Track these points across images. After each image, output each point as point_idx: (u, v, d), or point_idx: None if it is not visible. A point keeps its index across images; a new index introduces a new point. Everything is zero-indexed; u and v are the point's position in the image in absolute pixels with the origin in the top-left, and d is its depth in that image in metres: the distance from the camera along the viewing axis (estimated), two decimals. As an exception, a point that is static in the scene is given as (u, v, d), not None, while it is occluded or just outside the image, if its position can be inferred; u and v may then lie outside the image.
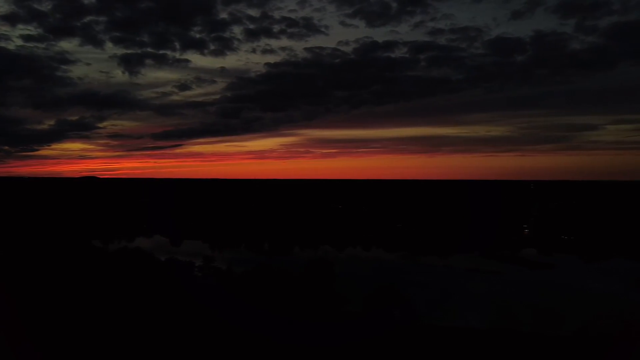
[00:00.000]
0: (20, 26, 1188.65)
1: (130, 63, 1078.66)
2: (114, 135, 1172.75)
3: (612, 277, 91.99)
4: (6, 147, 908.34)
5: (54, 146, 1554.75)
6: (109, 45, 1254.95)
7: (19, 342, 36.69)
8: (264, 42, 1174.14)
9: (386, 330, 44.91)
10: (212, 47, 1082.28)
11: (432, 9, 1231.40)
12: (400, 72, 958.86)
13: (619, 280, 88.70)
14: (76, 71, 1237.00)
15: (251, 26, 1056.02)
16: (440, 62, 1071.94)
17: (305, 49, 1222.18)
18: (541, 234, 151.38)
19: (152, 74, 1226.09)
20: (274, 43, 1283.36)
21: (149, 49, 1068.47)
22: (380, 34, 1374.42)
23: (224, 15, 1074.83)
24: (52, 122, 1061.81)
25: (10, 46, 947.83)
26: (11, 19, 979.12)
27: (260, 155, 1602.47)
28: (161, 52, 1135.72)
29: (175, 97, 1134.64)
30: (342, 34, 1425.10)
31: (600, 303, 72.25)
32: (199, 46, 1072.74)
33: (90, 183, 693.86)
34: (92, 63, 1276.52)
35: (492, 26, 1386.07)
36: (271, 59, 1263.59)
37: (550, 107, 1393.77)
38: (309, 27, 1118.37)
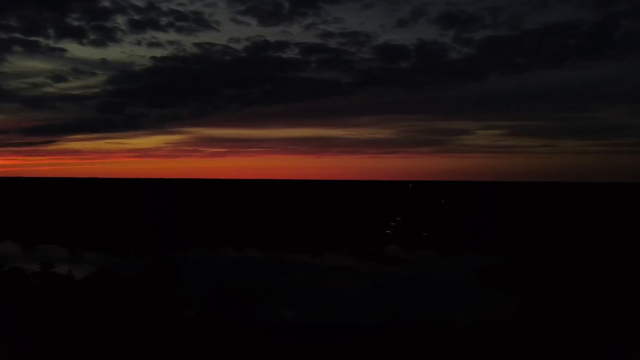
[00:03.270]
0: None
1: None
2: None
3: (460, 269, 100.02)
4: None
5: None
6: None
7: None
8: (150, 34, 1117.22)
9: (225, 331, 44.27)
10: (92, 36, 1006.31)
11: (324, 12, 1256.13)
12: (291, 73, 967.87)
13: (467, 272, 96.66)
14: None
15: (136, 17, 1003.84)
16: (330, 64, 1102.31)
17: (195, 44, 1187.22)
18: (406, 232, 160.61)
19: (21, 63, 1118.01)
20: (161, 36, 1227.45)
21: (17, 35, 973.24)
22: (272, 34, 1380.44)
23: (105, 3, 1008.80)
24: None
25: None
26: None
27: (145, 153, 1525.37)
28: (32, 38, 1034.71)
29: (48, 89, 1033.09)
30: (233, 31, 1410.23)
31: (447, 293, 78.07)
32: (76, 35, 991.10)
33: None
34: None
35: (379, 32, 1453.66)
36: (158, 52, 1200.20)
37: (430, 112, 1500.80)
38: (199, 21, 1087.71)
